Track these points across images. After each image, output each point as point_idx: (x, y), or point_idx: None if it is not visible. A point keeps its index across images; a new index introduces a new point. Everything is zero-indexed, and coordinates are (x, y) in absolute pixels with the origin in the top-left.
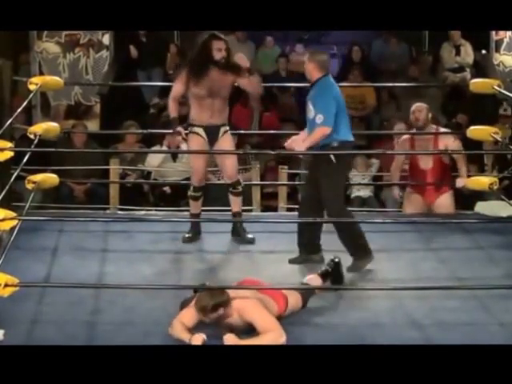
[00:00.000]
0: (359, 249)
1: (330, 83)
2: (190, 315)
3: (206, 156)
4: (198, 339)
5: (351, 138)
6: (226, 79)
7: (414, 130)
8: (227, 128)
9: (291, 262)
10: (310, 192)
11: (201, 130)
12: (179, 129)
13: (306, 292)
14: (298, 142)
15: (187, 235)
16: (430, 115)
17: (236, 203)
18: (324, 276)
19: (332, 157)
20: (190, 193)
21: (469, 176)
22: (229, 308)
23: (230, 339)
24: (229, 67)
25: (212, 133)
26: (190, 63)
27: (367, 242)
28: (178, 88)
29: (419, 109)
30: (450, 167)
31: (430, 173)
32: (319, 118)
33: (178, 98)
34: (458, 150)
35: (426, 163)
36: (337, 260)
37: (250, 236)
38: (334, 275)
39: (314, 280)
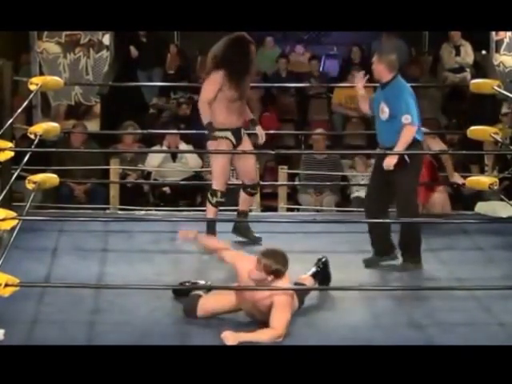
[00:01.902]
0: (416, 253)
1: (403, 83)
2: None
3: (229, 158)
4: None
5: (420, 137)
6: (249, 80)
7: None
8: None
9: (367, 263)
10: (378, 192)
11: (229, 134)
12: (217, 134)
13: (301, 292)
14: (390, 158)
15: None
16: None
17: (247, 202)
18: (314, 276)
19: (406, 157)
20: (215, 199)
21: (468, 176)
22: (276, 282)
23: (229, 336)
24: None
25: (238, 136)
26: (229, 66)
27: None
28: (212, 91)
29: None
30: (433, 166)
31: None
32: (406, 118)
33: (211, 102)
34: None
35: None
36: (324, 260)
37: (256, 235)
38: (321, 275)
39: (306, 280)
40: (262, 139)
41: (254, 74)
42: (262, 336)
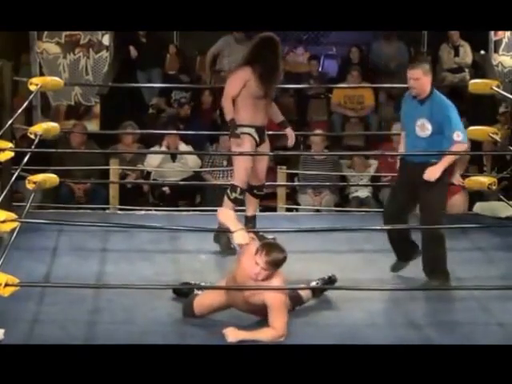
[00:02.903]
0: (439, 269)
1: (443, 97)
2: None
3: (250, 157)
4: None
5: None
6: (277, 82)
7: None
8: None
9: (393, 269)
10: (402, 201)
11: (253, 131)
12: (239, 132)
13: (295, 300)
14: (434, 168)
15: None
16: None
17: (253, 205)
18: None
19: None
20: (234, 195)
21: (467, 176)
22: (273, 278)
23: (230, 332)
24: None
25: (260, 134)
26: (260, 63)
27: (446, 265)
28: (237, 88)
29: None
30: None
31: None
32: (458, 135)
33: (234, 98)
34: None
35: None
36: (333, 278)
37: (270, 236)
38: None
39: (303, 293)
40: (291, 141)
41: (280, 76)
42: (262, 335)
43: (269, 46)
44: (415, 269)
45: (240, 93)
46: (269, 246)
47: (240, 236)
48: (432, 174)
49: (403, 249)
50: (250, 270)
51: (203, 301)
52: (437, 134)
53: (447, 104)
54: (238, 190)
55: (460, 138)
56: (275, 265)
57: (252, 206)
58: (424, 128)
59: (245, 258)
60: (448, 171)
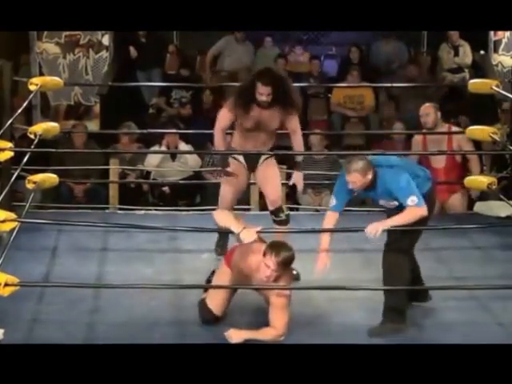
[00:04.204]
0: (395, 309)
1: (385, 172)
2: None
3: (238, 183)
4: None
5: (429, 183)
6: (273, 115)
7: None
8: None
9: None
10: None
11: (241, 158)
12: (230, 170)
13: None
14: (377, 225)
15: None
16: (439, 114)
17: (280, 234)
18: None
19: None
20: None
21: (466, 176)
22: (281, 276)
23: (233, 333)
24: (278, 104)
25: (251, 159)
26: (236, 95)
27: (406, 308)
28: (226, 118)
29: (426, 112)
30: (463, 166)
31: (442, 171)
32: (412, 201)
33: (225, 130)
34: (460, 151)
35: (439, 162)
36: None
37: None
38: None
39: None
40: (300, 188)
41: (286, 111)
42: (264, 335)
43: (247, 82)
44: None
45: (233, 124)
46: (277, 247)
47: (247, 235)
48: (375, 228)
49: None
50: (262, 273)
51: (216, 301)
52: (404, 202)
53: (392, 177)
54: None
55: (414, 202)
56: (286, 264)
57: (278, 235)
58: (390, 204)
59: (252, 256)
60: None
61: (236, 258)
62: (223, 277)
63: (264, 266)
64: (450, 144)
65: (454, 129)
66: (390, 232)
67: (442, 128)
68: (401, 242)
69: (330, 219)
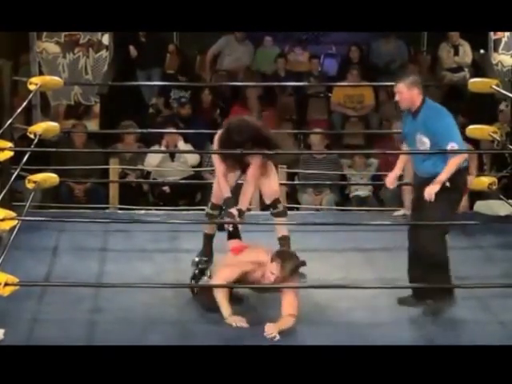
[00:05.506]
0: (445, 291)
1: (435, 105)
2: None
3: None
4: (240, 321)
5: (465, 163)
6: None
7: None
8: None
9: (400, 302)
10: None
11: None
12: (234, 211)
13: None
14: (431, 187)
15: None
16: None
17: (279, 226)
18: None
19: (447, 182)
20: (207, 210)
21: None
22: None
23: (271, 328)
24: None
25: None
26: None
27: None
28: (221, 165)
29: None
30: None
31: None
32: (452, 147)
33: (226, 173)
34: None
35: None
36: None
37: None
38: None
39: None
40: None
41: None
42: (288, 322)
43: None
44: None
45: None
46: (284, 258)
47: (232, 320)
48: (430, 191)
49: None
50: (266, 278)
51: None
52: (436, 146)
53: (439, 113)
54: (209, 204)
55: (455, 148)
56: (292, 274)
57: (276, 227)
58: (422, 142)
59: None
60: (457, 184)
61: (243, 257)
62: (230, 260)
63: (269, 273)
64: None
65: None
66: (427, 213)
67: None
68: (442, 212)
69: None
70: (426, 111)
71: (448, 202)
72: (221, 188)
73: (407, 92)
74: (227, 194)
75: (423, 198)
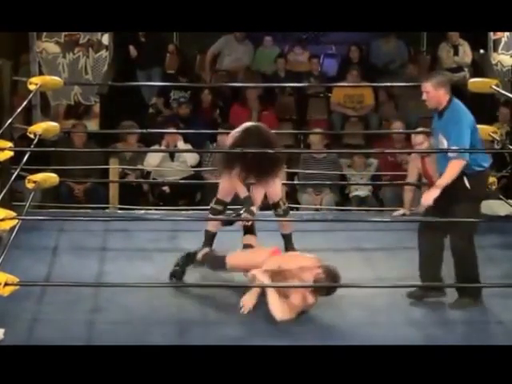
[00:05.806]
0: (474, 288)
1: (459, 107)
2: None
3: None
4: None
5: (487, 164)
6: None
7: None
8: None
9: (410, 295)
10: (435, 224)
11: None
12: (254, 209)
13: None
14: (429, 193)
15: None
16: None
17: (282, 224)
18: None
19: (467, 183)
20: (211, 205)
21: None
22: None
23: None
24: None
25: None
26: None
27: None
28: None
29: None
30: None
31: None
32: (452, 153)
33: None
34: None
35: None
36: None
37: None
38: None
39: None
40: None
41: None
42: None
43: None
44: (415, 267)
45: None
46: (331, 277)
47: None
48: (427, 198)
49: (430, 277)
50: (302, 300)
51: (238, 259)
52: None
53: (458, 117)
54: (214, 199)
55: (454, 153)
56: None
57: (280, 225)
58: (442, 142)
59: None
60: (476, 184)
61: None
62: (262, 253)
63: (308, 295)
64: None
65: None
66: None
67: None
68: (466, 227)
69: None
70: (449, 113)
71: (472, 202)
72: (237, 188)
73: (434, 92)
74: (245, 193)
75: (445, 199)
